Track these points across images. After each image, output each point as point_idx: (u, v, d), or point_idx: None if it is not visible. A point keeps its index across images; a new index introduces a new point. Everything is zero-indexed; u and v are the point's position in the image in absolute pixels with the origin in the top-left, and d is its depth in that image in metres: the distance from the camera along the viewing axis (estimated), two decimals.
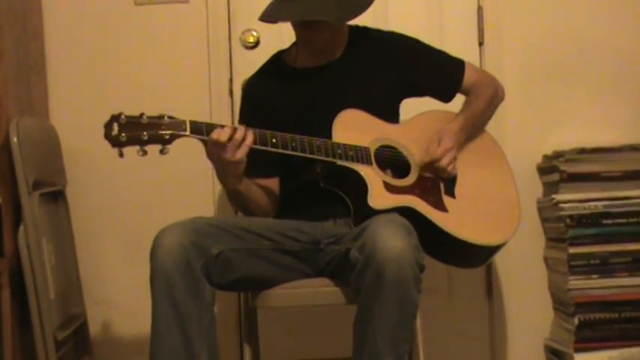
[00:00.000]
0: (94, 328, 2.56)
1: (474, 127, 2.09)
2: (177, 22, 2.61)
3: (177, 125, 1.72)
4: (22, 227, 2.15)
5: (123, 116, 1.69)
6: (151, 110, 1.75)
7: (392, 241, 1.65)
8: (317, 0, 1.92)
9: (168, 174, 2.53)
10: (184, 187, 2.57)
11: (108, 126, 1.69)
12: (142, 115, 1.71)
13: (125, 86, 2.60)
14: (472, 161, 2.07)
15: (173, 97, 2.57)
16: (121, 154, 1.69)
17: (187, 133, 1.73)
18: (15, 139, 2.14)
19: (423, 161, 1.98)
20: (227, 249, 1.80)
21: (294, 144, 1.83)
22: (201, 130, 1.75)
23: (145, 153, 1.69)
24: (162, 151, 1.71)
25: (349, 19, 2.01)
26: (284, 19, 2.01)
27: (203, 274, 1.75)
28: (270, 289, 1.91)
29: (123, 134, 1.68)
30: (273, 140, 1.82)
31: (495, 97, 2.16)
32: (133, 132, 1.68)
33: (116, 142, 1.68)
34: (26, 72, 2.41)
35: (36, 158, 2.24)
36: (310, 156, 1.85)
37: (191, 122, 1.74)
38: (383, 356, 1.68)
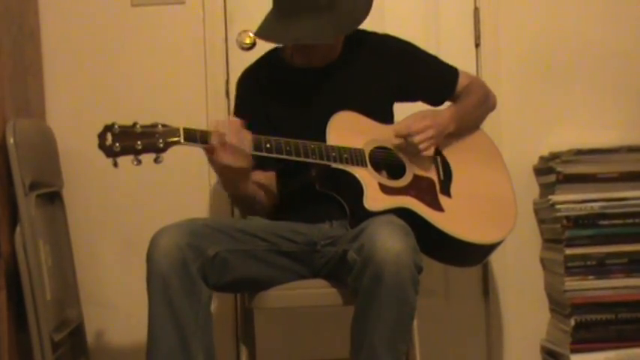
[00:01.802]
0: (90, 330, 2.56)
1: (463, 120, 2.08)
2: (173, 23, 2.60)
3: (170, 133, 1.71)
4: (18, 228, 2.14)
5: (116, 126, 1.67)
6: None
7: (390, 242, 1.65)
8: (311, 20, 1.90)
9: (165, 175, 2.52)
10: (180, 189, 2.57)
11: (101, 136, 1.67)
12: (135, 124, 1.69)
13: (121, 87, 2.59)
14: (468, 160, 2.08)
15: (169, 98, 2.57)
16: (115, 164, 1.67)
17: (181, 140, 1.72)
18: (11, 141, 2.14)
19: (399, 133, 1.96)
20: (223, 250, 1.80)
21: (288, 148, 1.83)
22: (195, 137, 1.73)
23: (139, 162, 1.68)
24: (156, 160, 1.69)
25: (344, 34, 2.02)
26: (281, 42, 2.01)
27: (199, 275, 1.74)
28: (267, 291, 1.90)
29: (117, 144, 1.66)
30: (268, 145, 1.81)
31: (487, 100, 2.16)
32: (126, 141, 1.67)
33: (110, 152, 1.66)
34: (23, 73, 2.40)
35: (32, 159, 2.23)
36: (305, 159, 1.84)
37: (185, 130, 1.73)
38: (380, 357, 1.68)
